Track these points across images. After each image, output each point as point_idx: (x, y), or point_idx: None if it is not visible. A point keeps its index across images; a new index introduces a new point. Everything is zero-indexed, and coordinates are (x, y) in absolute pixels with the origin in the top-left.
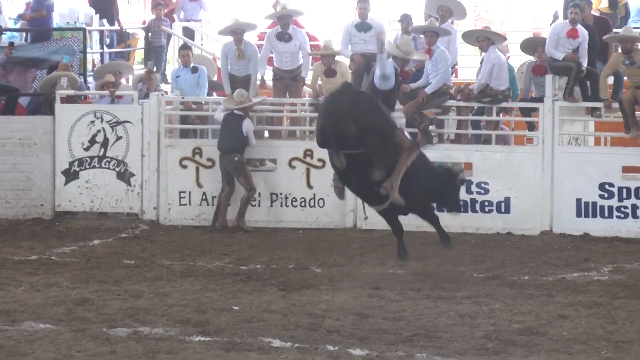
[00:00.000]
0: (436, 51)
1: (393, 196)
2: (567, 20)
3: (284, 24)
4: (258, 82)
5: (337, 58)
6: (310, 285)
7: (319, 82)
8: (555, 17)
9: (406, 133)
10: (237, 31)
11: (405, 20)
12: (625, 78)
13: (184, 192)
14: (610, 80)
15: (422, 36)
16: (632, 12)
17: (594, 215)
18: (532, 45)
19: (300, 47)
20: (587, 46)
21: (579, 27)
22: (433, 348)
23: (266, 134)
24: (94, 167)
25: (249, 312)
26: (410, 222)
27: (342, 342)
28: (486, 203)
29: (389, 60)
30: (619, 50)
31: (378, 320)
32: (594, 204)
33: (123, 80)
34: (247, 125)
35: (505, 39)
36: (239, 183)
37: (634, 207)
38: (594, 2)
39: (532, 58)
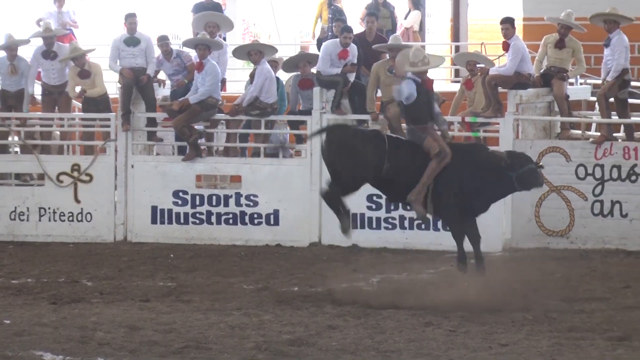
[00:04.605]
0: (207, 65)
1: (414, 207)
2: (338, 41)
3: (48, 43)
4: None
5: (93, 60)
6: (81, 298)
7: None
8: (323, 33)
9: (439, 140)
10: (11, 47)
11: (164, 42)
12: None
13: None
14: (379, 93)
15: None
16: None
17: (362, 227)
18: (293, 63)
19: (66, 62)
20: (356, 61)
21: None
22: (203, 359)
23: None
24: None
25: (20, 325)
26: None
27: (113, 355)
28: (255, 215)
29: (407, 81)
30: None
31: (149, 332)
32: (362, 214)
33: None
34: None
35: (276, 50)
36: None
37: (402, 218)
38: None
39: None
